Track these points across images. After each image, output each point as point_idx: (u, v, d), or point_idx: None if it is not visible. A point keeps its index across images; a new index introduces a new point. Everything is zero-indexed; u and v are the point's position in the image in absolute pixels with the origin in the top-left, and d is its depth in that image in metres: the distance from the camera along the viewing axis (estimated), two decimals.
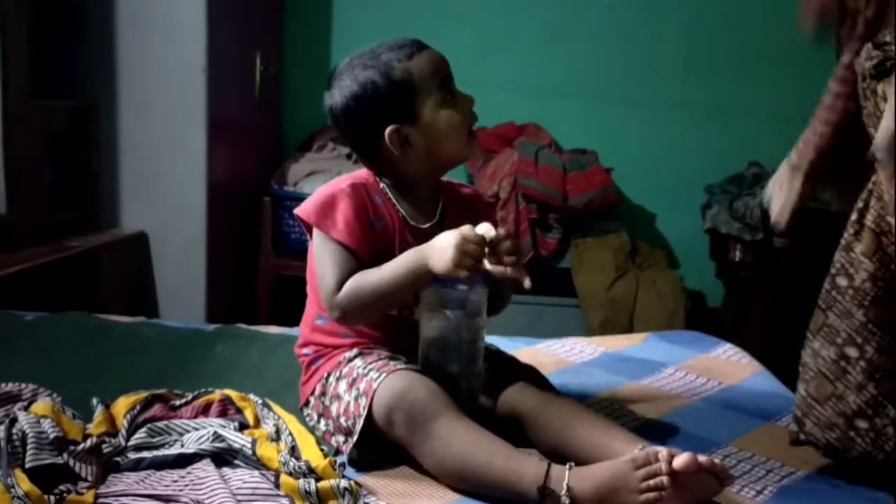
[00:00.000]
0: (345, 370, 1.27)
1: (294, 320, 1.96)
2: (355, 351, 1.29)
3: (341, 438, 1.24)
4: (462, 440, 1.11)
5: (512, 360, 1.37)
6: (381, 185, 1.33)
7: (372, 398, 1.17)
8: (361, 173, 1.35)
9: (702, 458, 1.06)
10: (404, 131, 1.27)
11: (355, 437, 1.19)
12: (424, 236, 1.27)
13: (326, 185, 1.32)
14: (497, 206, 2.81)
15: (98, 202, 2.65)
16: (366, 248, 1.26)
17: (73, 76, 2.61)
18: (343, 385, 1.25)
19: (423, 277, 1.21)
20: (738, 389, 1.58)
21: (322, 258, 1.27)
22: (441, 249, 1.18)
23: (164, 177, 2.63)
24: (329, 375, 1.29)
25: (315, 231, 1.28)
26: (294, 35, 3.33)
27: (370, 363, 1.25)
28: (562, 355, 1.75)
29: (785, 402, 1.47)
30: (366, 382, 1.21)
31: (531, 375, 1.32)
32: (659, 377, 1.63)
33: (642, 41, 3.16)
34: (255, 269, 2.95)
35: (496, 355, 1.38)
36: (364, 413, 1.18)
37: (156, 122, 2.61)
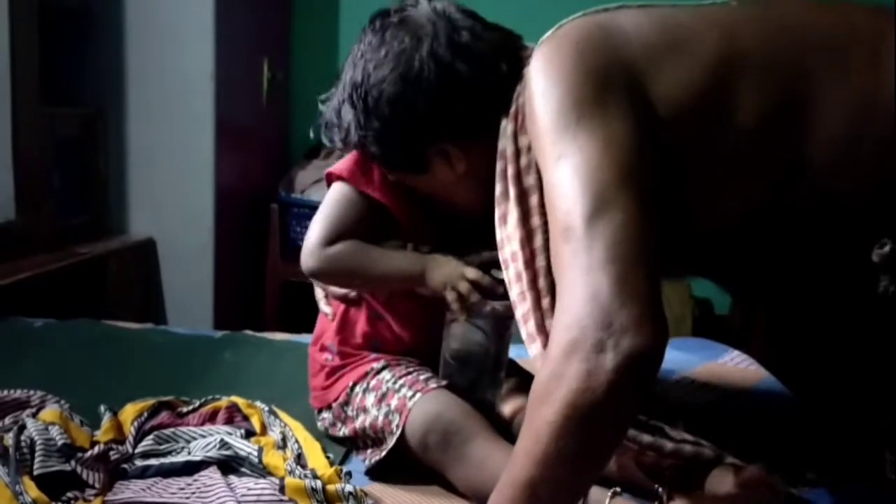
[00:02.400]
0: (372, 383, 1.25)
1: (301, 326, 1.97)
2: (382, 363, 1.27)
3: (360, 444, 1.24)
4: (496, 462, 1.08)
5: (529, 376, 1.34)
6: None
7: (406, 418, 1.16)
8: None
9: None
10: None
11: (384, 453, 1.17)
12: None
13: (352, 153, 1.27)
14: None
15: (106, 209, 2.66)
16: (402, 209, 1.23)
17: (81, 83, 2.62)
18: (371, 398, 1.23)
19: (416, 283, 1.21)
20: (745, 396, 1.58)
21: (333, 205, 1.22)
22: (442, 272, 1.19)
23: (172, 183, 2.64)
24: (355, 385, 1.27)
25: (340, 185, 1.24)
26: (302, 42, 3.34)
27: (399, 377, 1.23)
28: None
29: (791, 409, 1.46)
30: (398, 399, 1.19)
31: None
32: (666, 384, 1.63)
33: None
34: (262, 275, 2.95)
35: (515, 367, 1.35)
36: (397, 433, 1.16)
37: (164, 129, 2.62)
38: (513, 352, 1.50)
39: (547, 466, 0.82)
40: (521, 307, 1.02)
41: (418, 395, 1.17)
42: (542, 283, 1.00)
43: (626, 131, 0.89)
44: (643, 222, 0.85)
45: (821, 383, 1.22)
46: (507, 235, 1.04)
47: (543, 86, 0.94)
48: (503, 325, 1.22)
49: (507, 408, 1.26)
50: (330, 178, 1.26)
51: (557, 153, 0.90)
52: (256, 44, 2.98)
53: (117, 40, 2.59)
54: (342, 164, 1.25)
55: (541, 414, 0.82)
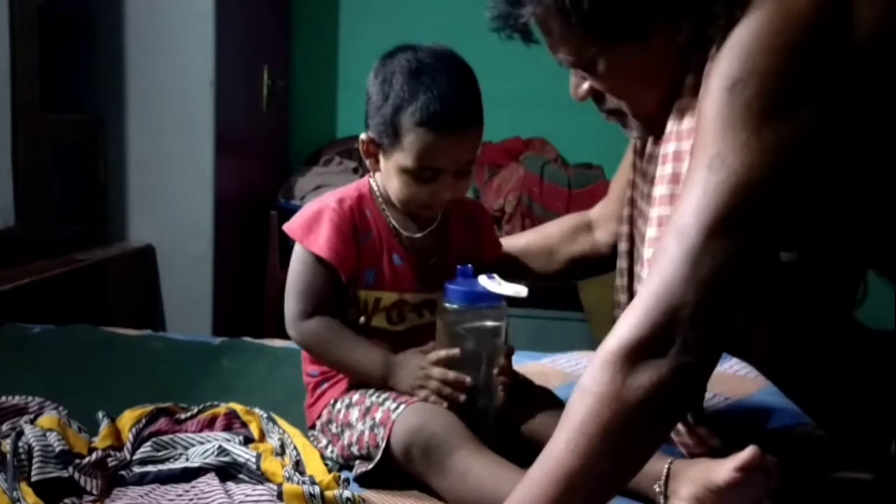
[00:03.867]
0: (355, 397, 1.24)
1: None
2: None
3: (351, 463, 1.23)
4: (478, 473, 1.08)
5: (527, 384, 1.33)
6: (375, 195, 1.30)
7: (390, 430, 1.15)
8: (357, 185, 1.32)
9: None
10: (376, 150, 1.25)
11: (372, 465, 1.17)
12: (418, 245, 1.29)
13: (314, 201, 1.31)
14: (503, 220, 2.82)
15: (106, 215, 2.67)
16: (347, 263, 1.24)
17: (82, 90, 2.63)
18: (355, 413, 1.23)
19: (375, 383, 1.23)
20: (744, 404, 1.58)
21: (296, 275, 1.26)
22: (402, 375, 1.21)
23: (171, 190, 2.65)
24: (336, 402, 1.27)
25: (297, 245, 1.28)
26: (302, 50, 3.35)
27: (385, 391, 1.23)
28: (567, 370, 1.74)
29: (791, 417, 1.46)
30: (382, 412, 1.18)
31: (549, 401, 1.29)
32: None
33: None
34: (261, 282, 2.95)
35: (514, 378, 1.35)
36: (382, 445, 1.15)
37: (164, 136, 2.63)
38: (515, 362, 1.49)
39: (590, 459, 0.84)
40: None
41: (402, 406, 1.17)
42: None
43: (802, 135, 0.86)
44: (756, 258, 0.87)
45: (825, 395, 1.21)
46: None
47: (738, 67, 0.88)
48: (494, 335, 1.23)
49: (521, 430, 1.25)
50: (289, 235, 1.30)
51: (717, 149, 0.87)
52: (256, 51, 2.99)
53: (118, 48, 2.60)
54: (293, 221, 1.29)
55: (589, 407, 0.84)
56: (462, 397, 1.18)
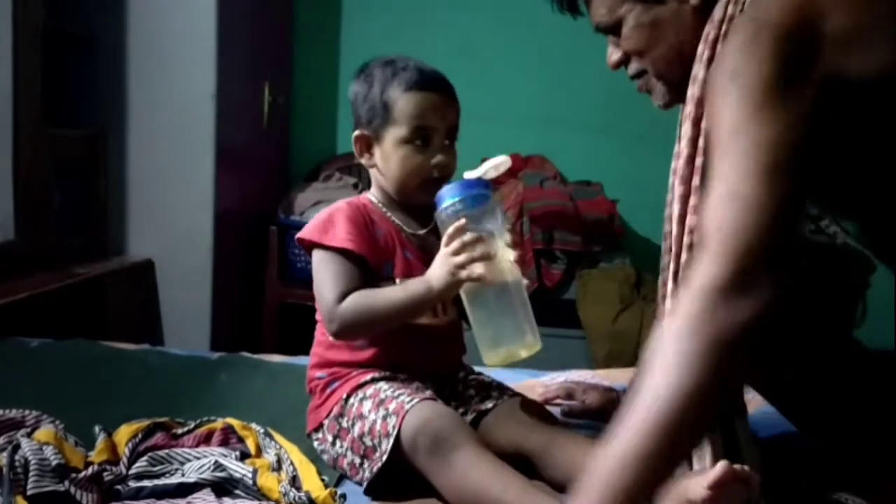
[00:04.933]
0: (369, 391, 1.27)
1: (299, 349, 1.97)
2: (379, 374, 1.30)
3: (357, 460, 1.24)
4: (479, 472, 1.12)
5: (517, 396, 1.37)
6: (375, 202, 1.37)
7: (402, 418, 1.19)
8: (357, 198, 1.39)
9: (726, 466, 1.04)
10: (369, 142, 1.33)
11: (385, 456, 1.19)
12: (423, 241, 1.35)
13: (324, 210, 1.36)
14: None
15: (105, 229, 2.67)
16: (370, 252, 1.29)
17: (83, 104, 2.64)
18: (368, 405, 1.25)
19: (429, 303, 1.26)
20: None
21: (322, 273, 1.28)
22: (437, 275, 1.22)
23: (171, 205, 2.65)
24: (349, 397, 1.29)
25: (315, 252, 1.31)
26: (303, 66, 3.37)
27: (398, 388, 1.26)
28: None
29: (788, 437, 1.46)
30: (396, 404, 1.22)
31: (537, 411, 1.32)
32: None
33: None
34: (260, 297, 2.96)
35: (501, 390, 1.38)
36: (393, 434, 1.18)
37: (164, 151, 2.63)
38: (510, 378, 1.49)
39: (692, 400, 0.87)
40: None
41: (416, 400, 1.21)
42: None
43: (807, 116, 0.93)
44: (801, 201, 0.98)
45: (823, 414, 1.21)
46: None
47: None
48: (489, 214, 1.25)
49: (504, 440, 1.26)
50: (302, 244, 1.33)
51: (736, 126, 0.94)
52: (258, 67, 3.00)
53: (119, 62, 2.61)
54: (306, 229, 1.32)
55: (682, 348, 0.87)
56: (492, 249, 1.20)
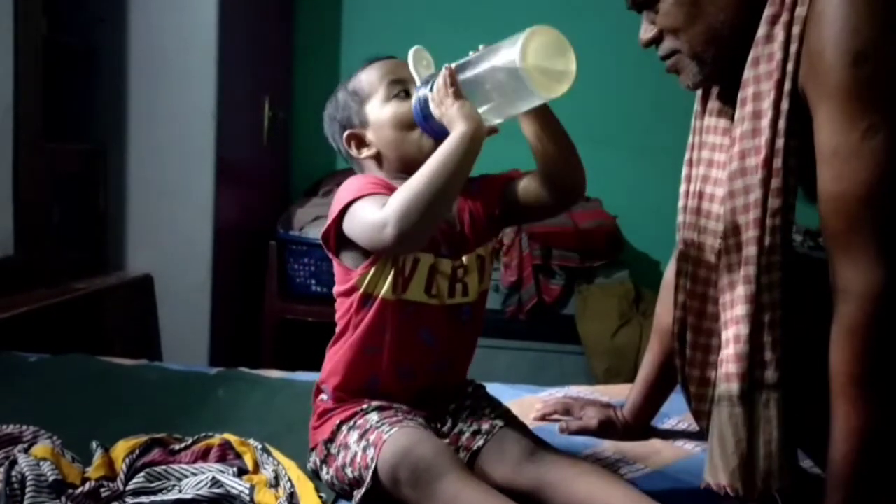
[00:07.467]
0: (359, 422, 1.25)
1: (298, 365, 1.97)
2: (374, 405, 1.27)
3: (346, 487, 1.23)
4: (466, 500, 1.08)
5: (505, 427, 1.29)
6: (383, 178, 1.33)
7: (379, 451, 1.15)
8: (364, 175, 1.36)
9: None
10: (359, 133, 1.33)
11: (364, 488, 1.16)
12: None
13: (340, 189, 1.30)
14: (501, 251, 2.82)
15: (105, 245, 2.67)
16: None
17: (84, 119, 2.65)
18: (354, 435, 1.23)
19: (466, 145, 1.18)
20: None
21: (359, 213, 1.21)
22: (454, 116, 1.19)
23: (171, 220, 2.65)
24: (342, 424, 1.27)
25: (347, 215, 1.23)
26: (303, 81, 3.38)
27: (385, 417, 1.23)
28: None
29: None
30: (376, 434, 1.19)
31: (523, 445, 1.25)
32: (662, 426, 1.62)
33: (647, 87, 3.19)
34: (259, 313, 2.95)
35: (494, 416, 1.32)
36: (372, 466, 1.15)
37: (164, 166, 2.64)
38: (508, 394, 1.48)
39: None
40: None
41: (395, 430, 1.17)
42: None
43: None
44: None
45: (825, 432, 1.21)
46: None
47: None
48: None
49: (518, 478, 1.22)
50: (328, 232, 1.27)
51: (867, 121, 1.01)
52: (258, 83, 3.01)
53: (120, 78, 2.62)
54: (338, 196, 1.26)
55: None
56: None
